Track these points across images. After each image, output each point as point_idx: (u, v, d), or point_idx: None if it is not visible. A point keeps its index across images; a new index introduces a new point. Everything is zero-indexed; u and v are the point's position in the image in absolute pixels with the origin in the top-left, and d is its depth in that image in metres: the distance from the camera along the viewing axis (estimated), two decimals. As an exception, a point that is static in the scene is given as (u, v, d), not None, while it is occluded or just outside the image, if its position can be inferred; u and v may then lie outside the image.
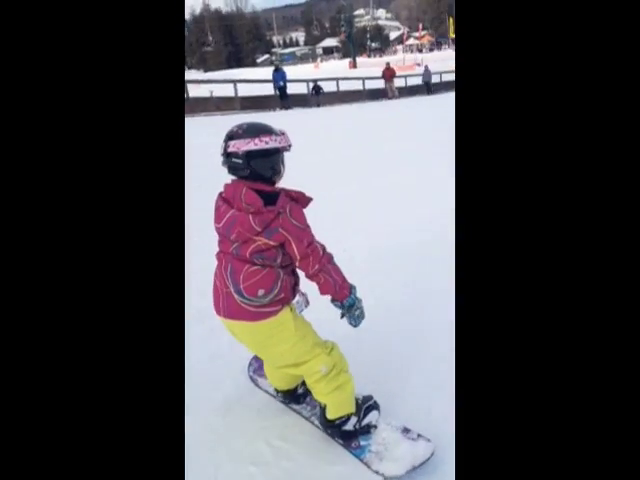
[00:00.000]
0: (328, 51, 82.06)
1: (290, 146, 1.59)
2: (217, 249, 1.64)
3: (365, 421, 1.75)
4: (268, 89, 15.59)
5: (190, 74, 49.13)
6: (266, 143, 1.51)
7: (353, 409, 1.73)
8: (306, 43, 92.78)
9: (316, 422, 1.86)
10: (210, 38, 72.57)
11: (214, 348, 2.33)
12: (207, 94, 15.43)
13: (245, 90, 15.71)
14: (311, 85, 16.98)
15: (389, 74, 19.00)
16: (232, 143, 1.52)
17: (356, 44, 60.95)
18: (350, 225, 3.90)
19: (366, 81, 20.06)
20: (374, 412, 1.76)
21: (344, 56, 66.46)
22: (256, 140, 1.51)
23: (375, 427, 1.76)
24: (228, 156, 1.54)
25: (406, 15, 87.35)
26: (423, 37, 70.22)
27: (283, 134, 1.57)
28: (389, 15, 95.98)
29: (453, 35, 50.71)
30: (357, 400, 1.76)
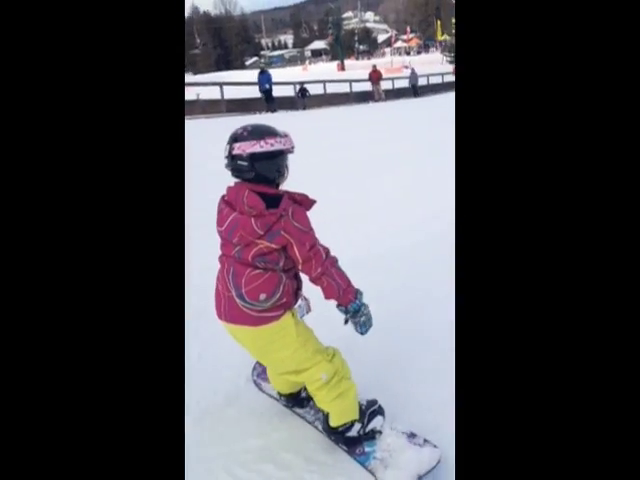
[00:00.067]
0: (317, 54, 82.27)
1: (293, 148, 1.58)
2: (218, 250, 1.63)
3: (369, 427, 1.73)
4: (255, 92, 15.44)
5: (179, 77, 48.75)
6: (271, 145, 1.50)
7: (356, 416, 1.71)
8: (295, 46, 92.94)
9: (320, 427, 1.83)
10: (198, 41, 72.34)
11: (214, 349, 2.32)
12: (194, 97, 15.37)
13: (232, 93, 15.63)
14: (297, 87, 16.90)
15: (376, 76, 19.07)
16: (237, 145, 1.50)
17: (344, 47, 61.25)
18: (343, 228, 3.88)
19: (353, 84, 20.10)
20: (378, 417, 1.74)
21: (333, 59, 66.65)
22: (261, 142, 1.49)
23: (380, 433, 1.74)
24: (233, 158, 1.52)
25: (394, 18, 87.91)
26: (411, 40, 70.77)
27: (286, 136, 1.56)
28: (377, 18, 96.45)
29: (441, 38, 51.23)
30: (361, 405, 1.74)
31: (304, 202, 1.57)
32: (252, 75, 16.54)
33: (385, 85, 20.55)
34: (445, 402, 1.72)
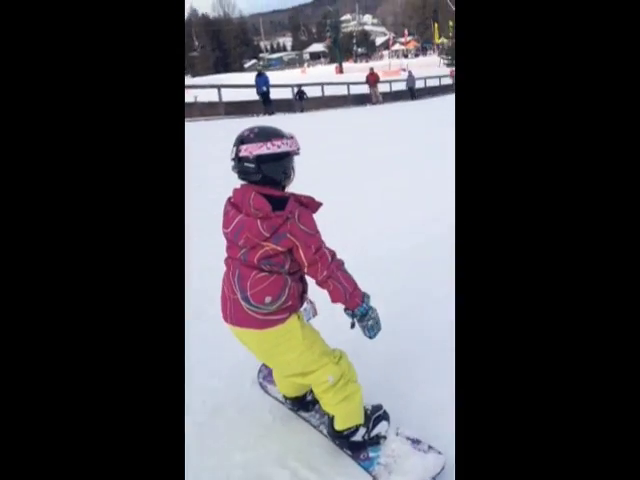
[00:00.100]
0: (315, 56, 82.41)
1: (299, 149, 1.58)
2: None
3: (374, 432, 1.72)
4: (253, 94, 15.36)
5: (177, 79, 48.73)
6: (278, 147, 1.50)
7: (362, 420, 1.70)
8: (293, 48, 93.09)
9: (324, 431, 1.82)
10: (196, 43, 72.37)
11: (214, 349, 2.30)
12: (192, 99, 15.39)
13: (230, 95, 15.59)
14: (295, 90, 16.86)
15: (373, 79, 19.00)
16: (244, 147, 1.50)
17: (342, 49, 61.31)
18: (341, 230, 3.77)
19: (351, 86, 20.10)
20: (383, 423, 1.73)
21: (331, 61, 66.71)
22: (268, 144, 1.49)
23: (385, 438, 1.73)
24: (239, 160, 1.52)
25: (392, 21, 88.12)
26: (409, 43, 70.92)
27: (292, 137, 1.56)
28: (375, 21, 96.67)
29: (438, 41, 51.36)
30: (366, 410, 1.73)
31: (310, 204, 1.57)
32: (250, 78, 16.36)
33: (383, 88, 20.57)
34: (446, 404, 1.70)
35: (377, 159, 6.79)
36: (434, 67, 40.59)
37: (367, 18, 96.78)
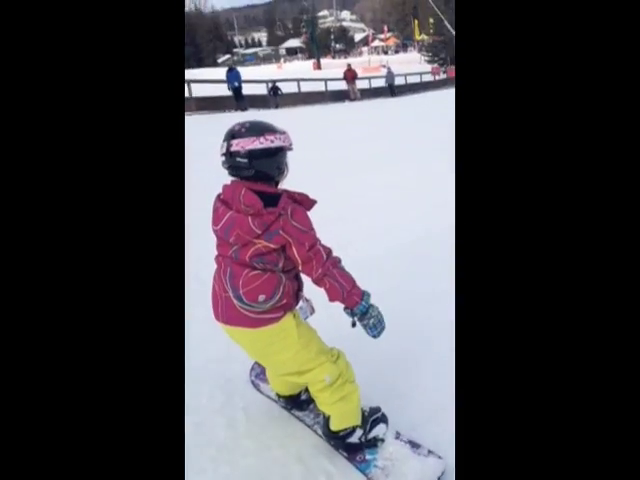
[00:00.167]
0: (291, 52, 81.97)
1: (292, 145, 1.55)
2: (215, 252, 1.59)
3: (371, 434, 1.69)
4: (226, 89, 15.01)
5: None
6: (271, 142, 1.47)
7: (359, 421, 1.67)
8: (269, 43, 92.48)
9: (319, 431, 1.79)
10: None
11: (214, 350, 2.27)
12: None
13: (201, 91, 15.08)
14: (270, 85, 16.44)
15: (350, 75, 18.87)
16: (235, 142, 1.46)
17: (320, 45, 60.90)
18: (335, 227, 3.70)
19: (329, 82, 19.80)
20: (381, 425, 1.70)
21: (309, 57, 66.23)
22: (261, 139, 1.46)
23: (382, 441, 1.70)
24: (231, 155, 1.48)
25: (371, 17, 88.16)
26: (388, 39, 70.74)
27: (285, 133, 1.53)
28: (353, 17, 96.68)
29: (418, 37, 51.02)
30: (364, 412, 1.70)
31: (304, 202, 1.53)
32: (223, 73, 16.09)
33: (362, 84, 20.42)
34: (445, 405, 1.70)
35: (352, 157, 6.63)
36: (415, 64, 40.63)
37: (345, 14, 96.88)
